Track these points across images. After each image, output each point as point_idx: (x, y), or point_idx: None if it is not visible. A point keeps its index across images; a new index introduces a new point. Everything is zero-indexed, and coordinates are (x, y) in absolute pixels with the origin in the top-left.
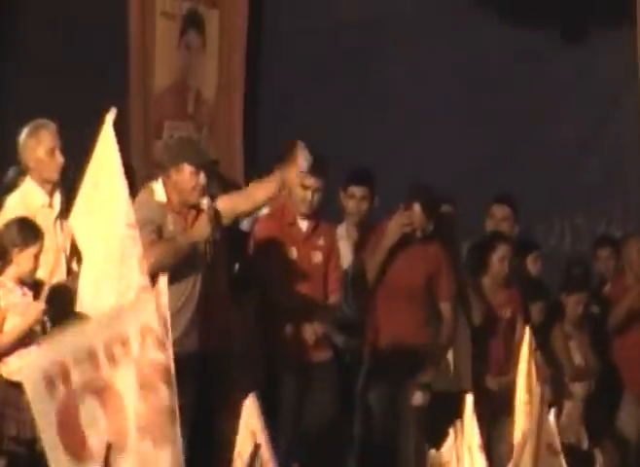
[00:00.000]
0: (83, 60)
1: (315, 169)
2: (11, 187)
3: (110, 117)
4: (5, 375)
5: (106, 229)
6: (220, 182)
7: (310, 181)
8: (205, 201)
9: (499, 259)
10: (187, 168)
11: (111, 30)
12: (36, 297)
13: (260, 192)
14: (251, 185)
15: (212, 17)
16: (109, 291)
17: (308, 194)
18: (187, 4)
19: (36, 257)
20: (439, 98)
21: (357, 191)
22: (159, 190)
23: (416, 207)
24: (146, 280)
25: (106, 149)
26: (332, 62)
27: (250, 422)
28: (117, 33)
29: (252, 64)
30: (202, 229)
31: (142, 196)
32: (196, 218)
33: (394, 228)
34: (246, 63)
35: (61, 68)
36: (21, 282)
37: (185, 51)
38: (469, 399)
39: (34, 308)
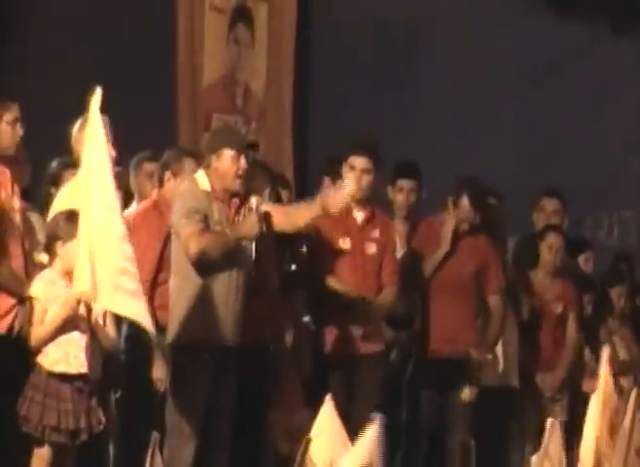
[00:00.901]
0: (131, 53)
1: (363, 150)
2: (56, 179)
3: (96, 98)
4: (46, 365)
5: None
6: (269, 176)
7: (357, 161)
8: (254, 200)
9: (549, 248)
10: (227, 153)
11: (160, 23)
12: None
13: (300, 217)
14: (294, 206)
15: (261, 10)
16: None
17: (356, 175)
18: None
19: None
20: (486, 94)
21: (405, 183)
22: (202, 179)
23: (464, 200)
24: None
25: (94, 134)
26: (379, 57)
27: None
28: (166, 26)
29: (301, 58)
30: (251, 226)
31: (186, 186)
32: (240, 207)
33: (447, 236)
34: (295, 57)
35: (110, 61)
36: (67, 274)
37: (234, 44)
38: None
39: (69, 298)
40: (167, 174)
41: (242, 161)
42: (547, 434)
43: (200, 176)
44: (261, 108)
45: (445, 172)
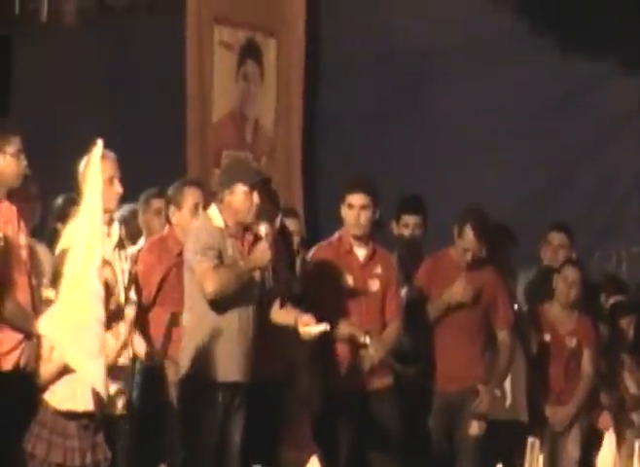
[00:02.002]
0: (140, 89)
1: (358, 188)
2: (62, 215)
3: (98, 150)
4: (52, 403)
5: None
6: (280, 210)
7: (354, 198)
8: (263, 228)
9: (565, 281)
10: (240, 188)
11: (170, 59)
12: None
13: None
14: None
15: (270, 46)
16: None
17: (354, 212)
18: (244, 33)
19: None
20: (496, 126)
21: (411, 219)
22: (215, 215)
23: (467, 229)
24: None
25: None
26: (389, 90)
27: None
28: (176, 62)
29: (310, 93)
30: (262, 255)
31: (200, 222)
32: (254, 243)
33: (457, 299)
34: (304, 92)
35: (119, 98)
36: None
37: (243, 81)
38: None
39: None
40: (172, 208)
41: (255, 196)
42: (527, 454)
43: (213, 212)
44: (270, 144)
45: (451, 207)
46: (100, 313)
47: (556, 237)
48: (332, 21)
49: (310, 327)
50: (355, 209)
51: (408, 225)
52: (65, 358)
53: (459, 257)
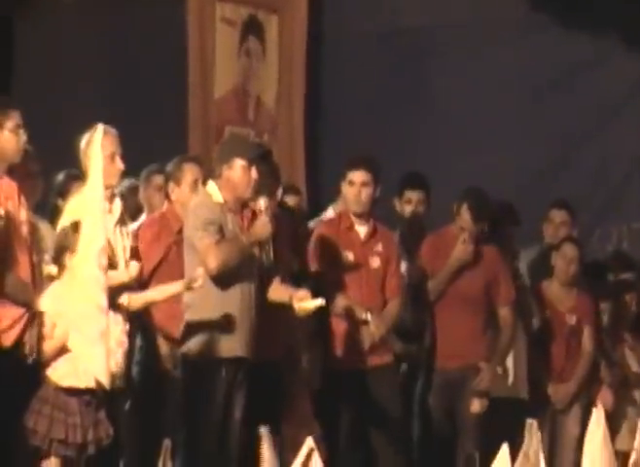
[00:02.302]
0: (142, 65)
1: (359, 165)
2: (62, 191)
3: (99, 134)
4: (54, 379)
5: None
6: (281, 183)
7: (355, 175)
8: (262, 201)
9: (564, 258)
10: (238, 163)
11: (171, 35)
12: None
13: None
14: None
15: (272, 23)
16: None
17: (355, 189)
18: (247, 10)
19: None
20: (498, 105)
21: (414, 195)
22: (213, 191)
23: (464, 208)
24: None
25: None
26: (391, 68)
27: None
28: (177, 38)
29: (312, 70)
30: (263, 228)
31: (199, 198)
32: (253, 218)
33: (458, 257)
34: (306, 69)
35: (121, 74)
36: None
37: (245, 57)
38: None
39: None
40: (171, 185)
41: (253, 171)
42: (526, 435)
43: (212, 188)
44: (272, 120)
45: (453, 186)
46: (101, 300)
47: (557, 215)
48: None
49: (306, 302)
50: (356, 186)
51: (410, 201)
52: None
53: (457, 236)
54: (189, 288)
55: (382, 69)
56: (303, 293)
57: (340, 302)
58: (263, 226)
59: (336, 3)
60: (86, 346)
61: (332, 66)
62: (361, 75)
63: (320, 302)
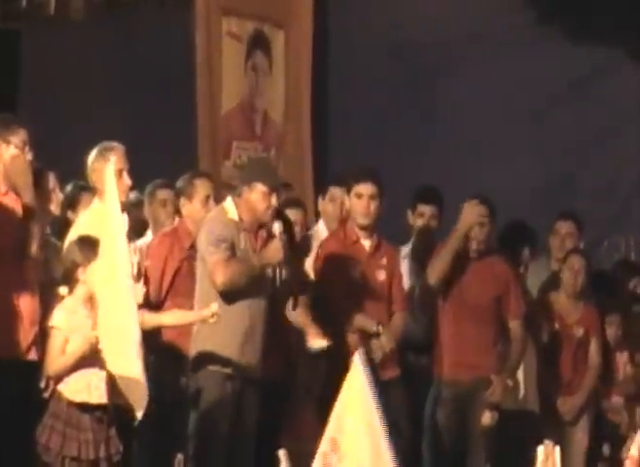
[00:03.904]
0: (150, 79)
1: (367, 177)
2: (72, 202)
3: (110, 167)
4: (66, 394)
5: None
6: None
7: (363, 188)
8: (277, 225)
9: (570, 270)
10: (260, 188)
11: (177, 53)
12: None
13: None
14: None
15: (278, 37)
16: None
17: (364, 202)
18: (253, 24)
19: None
20: (503, 118)
21: (426, 209)
22: (230, 208)
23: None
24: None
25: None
26: (398, 82)
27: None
28: (183, 55)
29: (319, 84)
30: (275, 253)
31: (214, 214)
32: (267, 239)
33: (469, 218)
34: (313, 84)
35: (128, 90)
36: (90, 300)
37: (251, 72)
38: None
39: (89, 335)
40: (182, 200)
41: (273, 199)
42: (540, 456)
43: (229, 205)
44: (280, 135)
45: (463, 198)
46: (136, 312)
47: (564, 226)
48: (340, 13)
49: (312, 341)
50: (364, 198)
51: (423, 214)
52: (108, 366)
53: (467, 247)
54: (204, 321)
55: (389, 83)
56: (314, 331)
57: (357, 321)
58: (275, 250)
59: (341, 17)
60: (123, 363)
61: (339, 81)
62: (368, 89)
63: (324, 343)
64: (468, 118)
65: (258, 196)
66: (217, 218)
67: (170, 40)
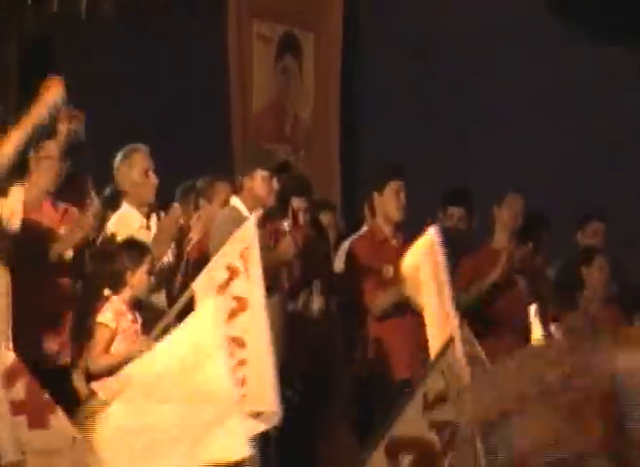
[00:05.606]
0: (186, 86)
1: (398, 173)
2: (111, 204)
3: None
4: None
5: None
6: (317, 205)
7: (397, 184)
8: (286, 223)
9: (600, 271)
10: (259, 174)
11: (208, 55)
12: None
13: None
14: None
15: (308, 39)
16: None
17: (401, 197)
18: (283, 27)
19: (149, 273)
20: (536, 116)
21: (455, 211)
22: (239, 205)
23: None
24: None
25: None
26: (428, 83)
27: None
28: (214, 58)
29: (347, 86)
30: (286, 250)
31: (226, 211)
32: (276, 233)
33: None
34: (342, 85)
35: (160, 93)
36: (135, 303)
37: (281, 74)
38: None
39: (143, 343)
40: (202, 201)
41: (274, 181)
42: None
43: (237, 202)
44: (309, 137)
45: (494, 198)
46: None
47: (592, 225)
48: (370, 15)
49: None
50: (400, 194)
51: (452, 216)
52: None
53: (497, 238)
54: None
55: (418, 84)
56: None
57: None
58: (286, 249)
59: (371, 19)
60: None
61: (367, 81)
62: (396, 90)
63: None
64: (497, 118)
65: (257, 182)
66: (229, 216)
67: (201, 43)
